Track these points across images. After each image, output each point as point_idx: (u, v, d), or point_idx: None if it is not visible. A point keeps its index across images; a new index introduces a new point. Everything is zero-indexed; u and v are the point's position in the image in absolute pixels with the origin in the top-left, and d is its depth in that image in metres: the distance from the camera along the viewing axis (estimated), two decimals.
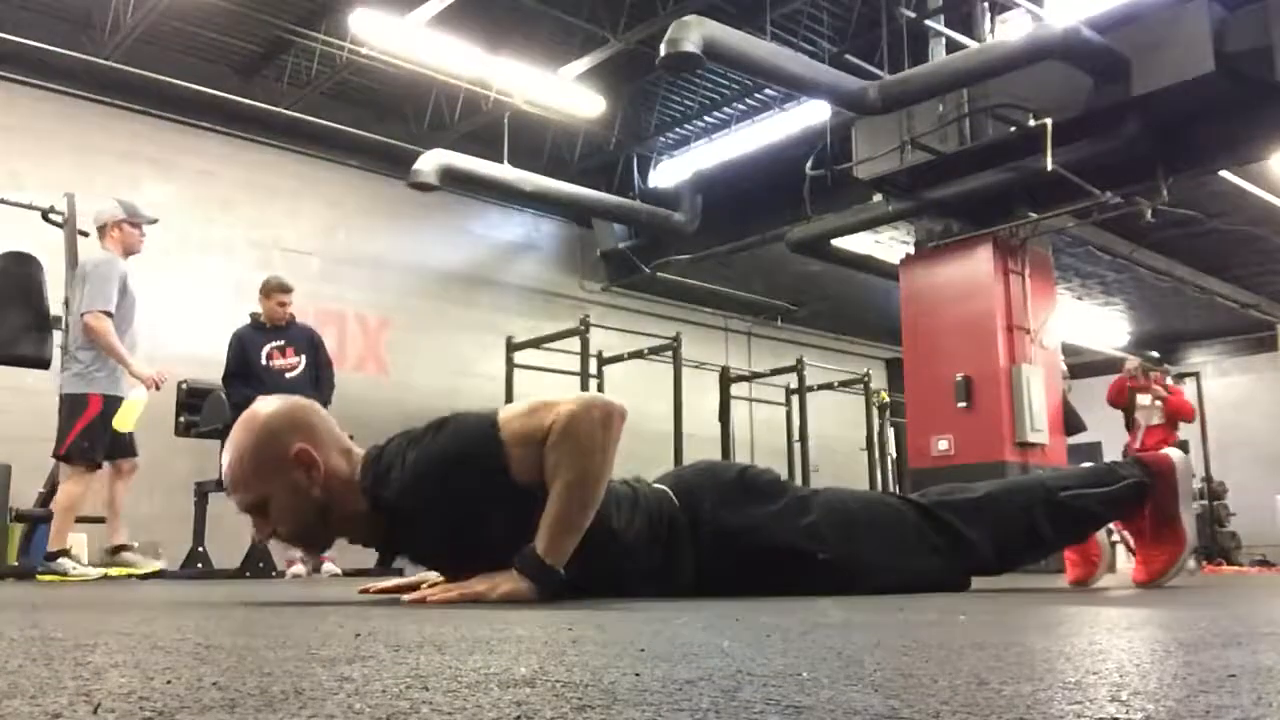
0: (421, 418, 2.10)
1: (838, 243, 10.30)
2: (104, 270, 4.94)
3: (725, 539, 2.15)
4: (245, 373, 6.08)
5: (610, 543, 2.01)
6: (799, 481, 10.41)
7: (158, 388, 4.98)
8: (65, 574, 4.73)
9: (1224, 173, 9.17)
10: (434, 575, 2.21)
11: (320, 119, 10.34)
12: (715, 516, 2.16)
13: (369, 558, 2.22)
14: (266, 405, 2.04)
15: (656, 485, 2.24)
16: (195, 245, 9.93)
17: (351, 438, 2.13)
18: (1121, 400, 8.30)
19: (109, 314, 4.84)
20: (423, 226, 11.46)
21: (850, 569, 2.20)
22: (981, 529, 2.33)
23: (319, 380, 6.21)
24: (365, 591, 2.35)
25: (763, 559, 2.16)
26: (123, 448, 4.93)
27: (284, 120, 10.19)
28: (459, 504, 1.92)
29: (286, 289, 6.20)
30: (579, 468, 1.87)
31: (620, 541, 2.04)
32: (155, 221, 5.39)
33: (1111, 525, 2.64)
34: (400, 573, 5.78)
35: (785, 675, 0.76)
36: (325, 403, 6.21)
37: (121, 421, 4.77)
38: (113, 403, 4.90)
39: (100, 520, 5.94)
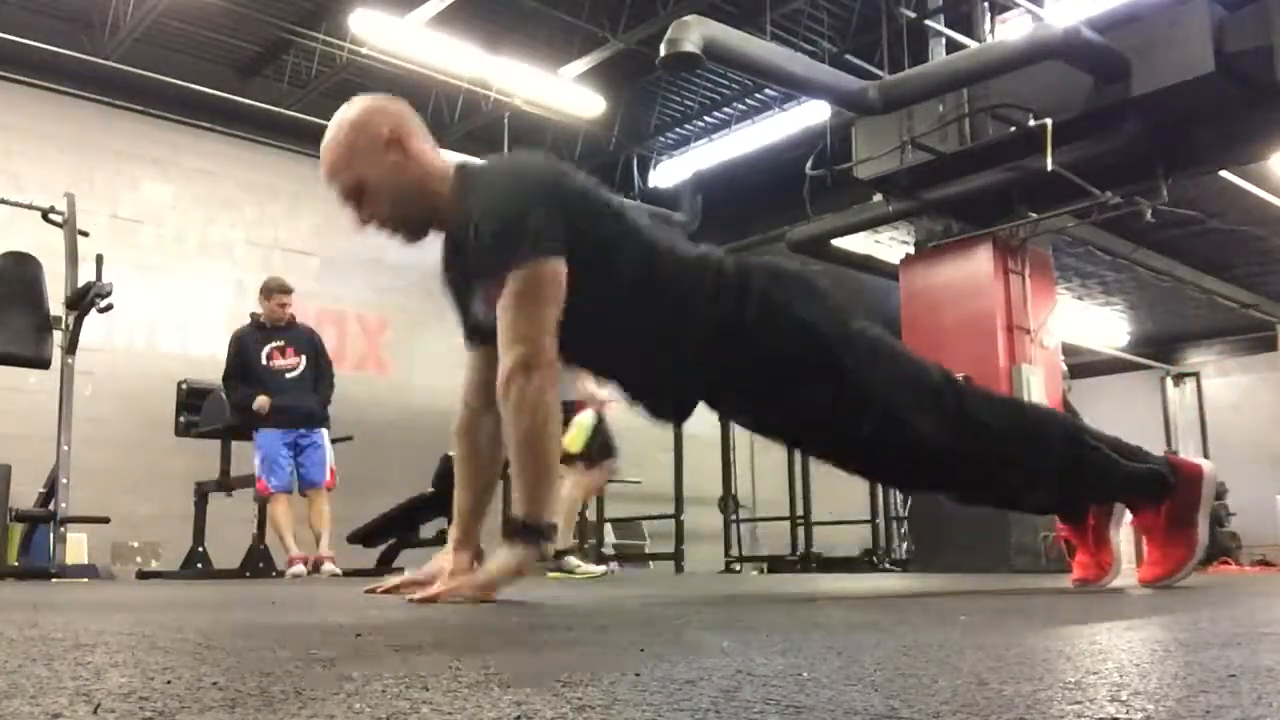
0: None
1: (838, 243, 10.29)
2: None
3: (766, 311, 2.10)
4: (245, 373, 6.08)
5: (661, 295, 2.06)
6: (799, 481, 10.42)
7: (600, 408, 5.04)
8: (571, 571, 4.91)
9: (1224, 173, 9.17)
10: (442, 568, 2.19)
11: (320, 119, 10.28)
12: (764, 284, 2.13)
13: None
14: (359, 98, 2.15)
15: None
16: (195, 245, 9.93)
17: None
18: None
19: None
20: None
21: (860, 387, 2.15)
22: (999, 418, 2.27)
23: (319, 380, 6.21)
24: (371, 591, 2.35)
25: (789, 334, 2.11)
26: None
27: (284, 120, 10.19)
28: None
29: (287, 290, 6.20)
30: (525, 425, 1.90)
31: (674, 292, 2.07)
32: None
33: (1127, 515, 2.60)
34: (396, 549, 5.75)
35: (785, 675, 0.76)
36: (325, 402, 6.21)
37: (572, 441, 4.87)
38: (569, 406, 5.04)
39: (101, 520, 5.95)
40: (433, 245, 2.27)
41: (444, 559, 2.21)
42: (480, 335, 2.19)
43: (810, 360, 2.13)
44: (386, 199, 2.07)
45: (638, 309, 2.07)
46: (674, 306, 2.08)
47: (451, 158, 2.17)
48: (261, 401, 5.92)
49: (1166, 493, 2.42)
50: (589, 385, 5.00)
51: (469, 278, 2.13)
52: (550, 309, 1.92)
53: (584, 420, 5.01)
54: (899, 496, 10.08)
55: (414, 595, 1.96)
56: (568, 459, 4.66)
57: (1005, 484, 2.39)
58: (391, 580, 2.41)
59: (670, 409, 2.31)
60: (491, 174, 2.07)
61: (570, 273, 1.93)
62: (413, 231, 2.16)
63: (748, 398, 2.24)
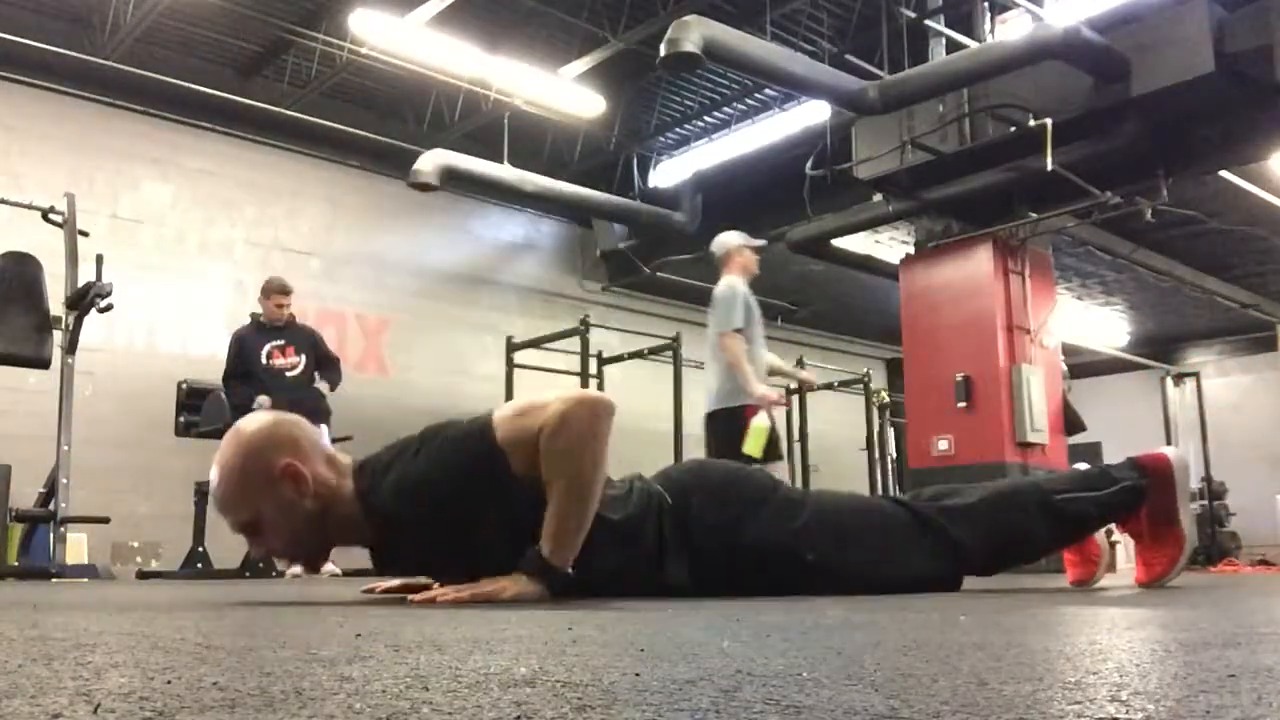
0: (421, 418, 2.11)
1: (838, 243, 10.30)
2: (728, 295, 5.37)
3: (714, 537, 2.15)
4: (245, 372, 6.08)
5: (607, 535, 2.03)
6: (799, 481, 10.42)
7: (772, 408, 5.19)
8: None
9: (1224, 173, 9.17)
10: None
11: (320, 119, 10.34)
12: (703, 514, 2.16)
13: (368, 557, 2.22)
14: (249, 424, 2.06)
15: (650, 482, 2.24)
16: (195, 245, 9.94)
17: (350, 438, 2.15)
18: None
19: (739, 331, 5.24)
20: (423, 226, 11.46)
21: (838, 571, 2.21)
22: (974, 532, 2.33)
23: (321, 370, 6.22)
24: (370, 591, 2.35)
25: (751, 558, 2.17)
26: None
27: (284, 120, 10.20)
28: (457, 511, 1.93)
29: (286, 290, 6.21)
30: (574, 466, 1.89)
31: (616, 534, 2.05)
32: (766, 245, 5.92)
33: (1112, 526, 2.63)
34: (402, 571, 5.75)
35: (785, 675, 0.76)
36: (333, 384, 6.23)
37: (750, 445, 5.01)
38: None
39: (101, 520, 5.95)
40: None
41: None
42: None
43: (780, 569, 2.18)
44: (281, 533, 2.00)
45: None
46: (622, 554, 2.10)
47: (348, 462, 2.07)
48: (262, 400, 5.92)
49: (1142, 499, 2.44)
50: (760, 388, 5.11)
51: (439, 542, 2.03)
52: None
53: (760, 424, 5.08)
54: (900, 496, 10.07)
55: (413, 597, 1.96)
56: (747, 463, 4.69)
57: (1001, 567, 2.55)
58: (393, 580, 2.41)
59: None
60: (396, 476, 1.98)
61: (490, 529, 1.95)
62: (314, 556, 2.12)
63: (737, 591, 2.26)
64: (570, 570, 1.89)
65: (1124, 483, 2.44)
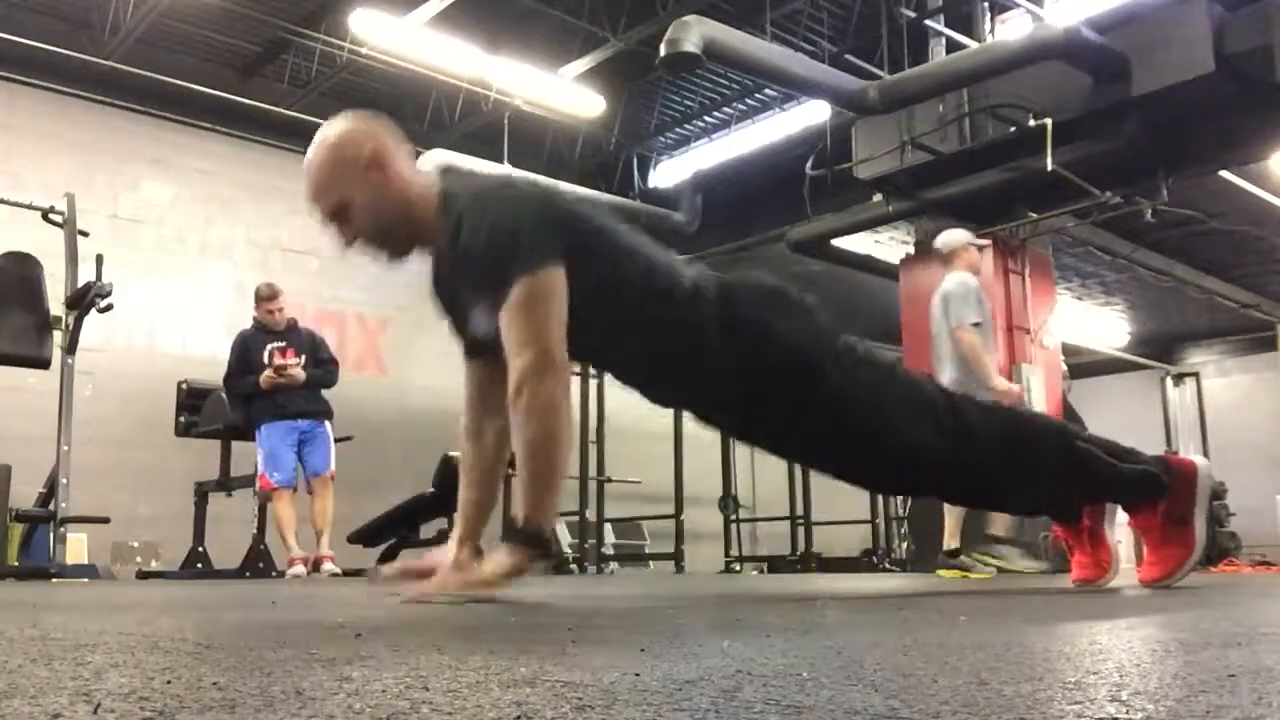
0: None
1: (838, 243, 10.29)
2: (961, 290, 5.32)
3: (750, 326, 2.12)
4: (246, 373, 6.09)
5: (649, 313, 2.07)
6: (799, 480, 10.42)
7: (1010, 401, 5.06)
8: (968, 570, 4.92)
9: (1224, 173, 9.16)
10: (440, 561, 2.20)
11: (320, 119, 10.29)
12: (748, 307, 2.14)
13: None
14: (339, 118, 2.14)
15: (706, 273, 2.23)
16: (195, 245, 9.94)
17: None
18: None
19: (977, 325, 5.21)
20: None
21: (854, 405, 2.16)
22: (989, 427, 2.29)
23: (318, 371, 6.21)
24: (374, 577, 2.34)
25: (776, 354, 2.12)
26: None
27: (284, 120, 10.20)
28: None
29: (273, 295, 6.19)
30: (536, 429, 1.91)
31: (658, 310, 2.08)
32: (989, 244, 5.84)
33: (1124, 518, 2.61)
34: (396, 549, 5.75)
35: (785, 675, 0.76)
36: (326, 384, 6.22)
37: None
38: None
39: (101, 520, 5.95)
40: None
41: (444, 553, 2.22)
42: (478, 347, 2.19)
43: (796, 376, 2.14)
44: (369, 219, 2.07)
45: (624, 323, 2.09)
46: (661, 322, 2.09)
47: (436, 163, 2.19)
48: (266, 374, 5.95)
49: (1162, 492, 2.42)
50: (1002, 382, 5.10)
51: (463, 293, 2.12)
52: (556, 315, 1.93)
53: None
54: (899, 497, 10.08)
55: (408, 595, 1.97)
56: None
57: (999, 489, 2.46)
58: (393, 567, 2.40)
59: (671, 403, 2.36)
60: (477, 191, 2.07)
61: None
62: (397, 251, 2.17)
63: (740, 415, 2.26)
64: (553, 526, 1.94)
65: (1147, 467, 2.43)
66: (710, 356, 2.12)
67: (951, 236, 5.64)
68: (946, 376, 5.30)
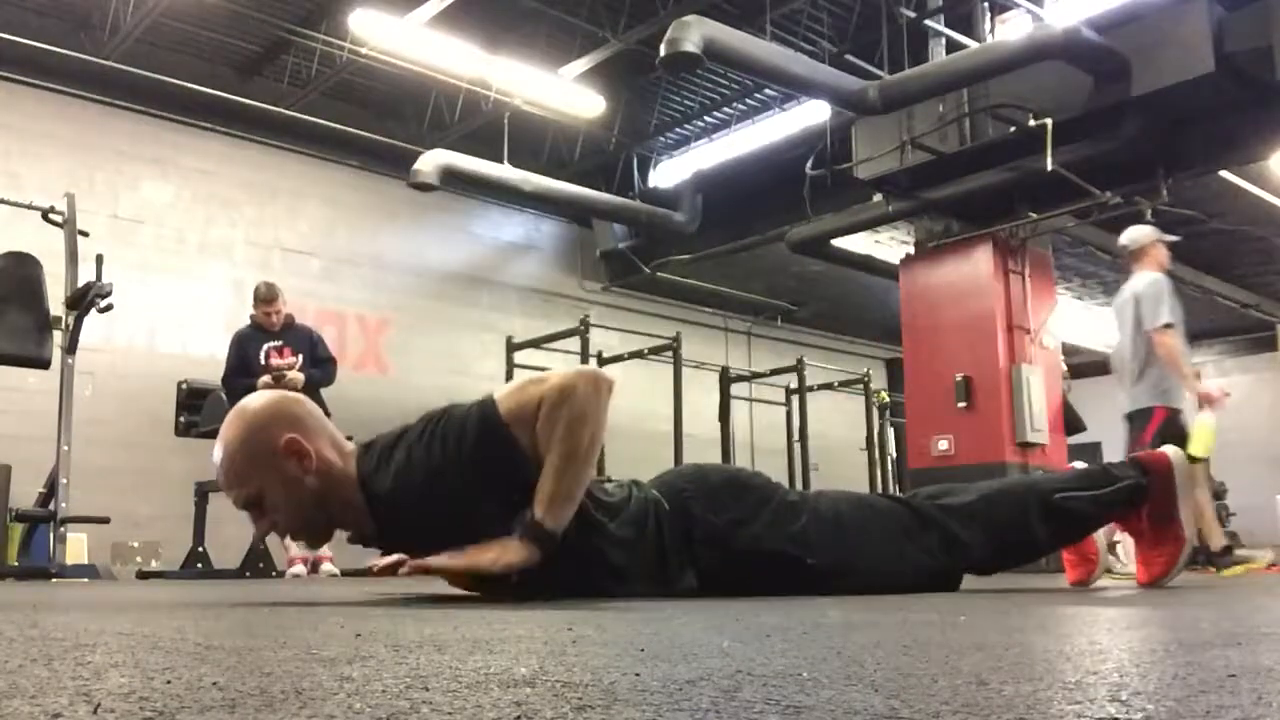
0: None
1: (838, 243, 10.30)
2: (1154, 290, 5.21)
3: (715, 542, 2.16)
4: (245, 372, 6.08)
5: (603, 541, 2.04)
6: (799, 481, 10.42)
7: (1212, 404, 4.99)
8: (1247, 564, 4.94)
9: (1224, 173, 9.17)
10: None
11: (320, 119, 10.34)
12: (704, 519, 2.16)
13: (369, 557, 2.22)
14: (252, 401, 2.06)
15: (648, 487, 2.25)
16: (195, 245, 9.94)
17: (350, 438, 2.14)
18: None
19: (1170, 326, 5.11)
20: (423, 226, 11.46)
21: (839, 572, 2.21)
22: (973, 530, 2.33)
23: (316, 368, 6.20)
24: (369, 571, 2.34)
25: (752, 563, 2.17)
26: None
27: (284, 120, 10.20)
28: (463, 494, 1.95)
29: (271, 299, 6.17)
30: (572, 436, 1.90)
31: (613, 539, 2.07)
32: (1179, 239, 5.63)
33: (1111, 526, 2.62)
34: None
35: (785, 675, 0.76)
36: (323, 383, 6.21)
37: (1196, 445, 4.72)
38: (1174, 415, 5.04)
39: (101, 520, 5.94)
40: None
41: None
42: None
43: (781, 573, 2.17)
44: (285, 509, 2.00)
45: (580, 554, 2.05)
46: (615, 553, 2.10)
47: (349, 445, 2.09)
48: (264, 380, 5.94)
49: (1143, 497, 2.43)
50: (1203, 385, 5.00)
51: (435, 516, 2.02)
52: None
53: (1207, 421, 4.89)
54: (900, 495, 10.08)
55: (410, 565, 1.98)
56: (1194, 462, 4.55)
57: (1000, 566, 2.54)
58: (387, 559, 2.39)
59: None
60: (398, 440, 2.02)
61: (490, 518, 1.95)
62: (316, 536, 2.13)
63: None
64: (558, 537, 1.91)
65: (1124, 481, 2.43)
66: (681, 576, 2.14)
67: (1138, 233, 5.44)
68: (1133, 381, 5.17)
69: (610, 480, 2.26)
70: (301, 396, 2.15)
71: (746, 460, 11.24)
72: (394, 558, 2.33)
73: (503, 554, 1.89)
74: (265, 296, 6.20)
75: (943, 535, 2.31)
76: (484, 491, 1.95)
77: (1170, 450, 2.51)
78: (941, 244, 8.92)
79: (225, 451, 1.99)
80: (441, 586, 2.50)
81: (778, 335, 14.71)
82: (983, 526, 2.34)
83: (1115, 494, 2.43)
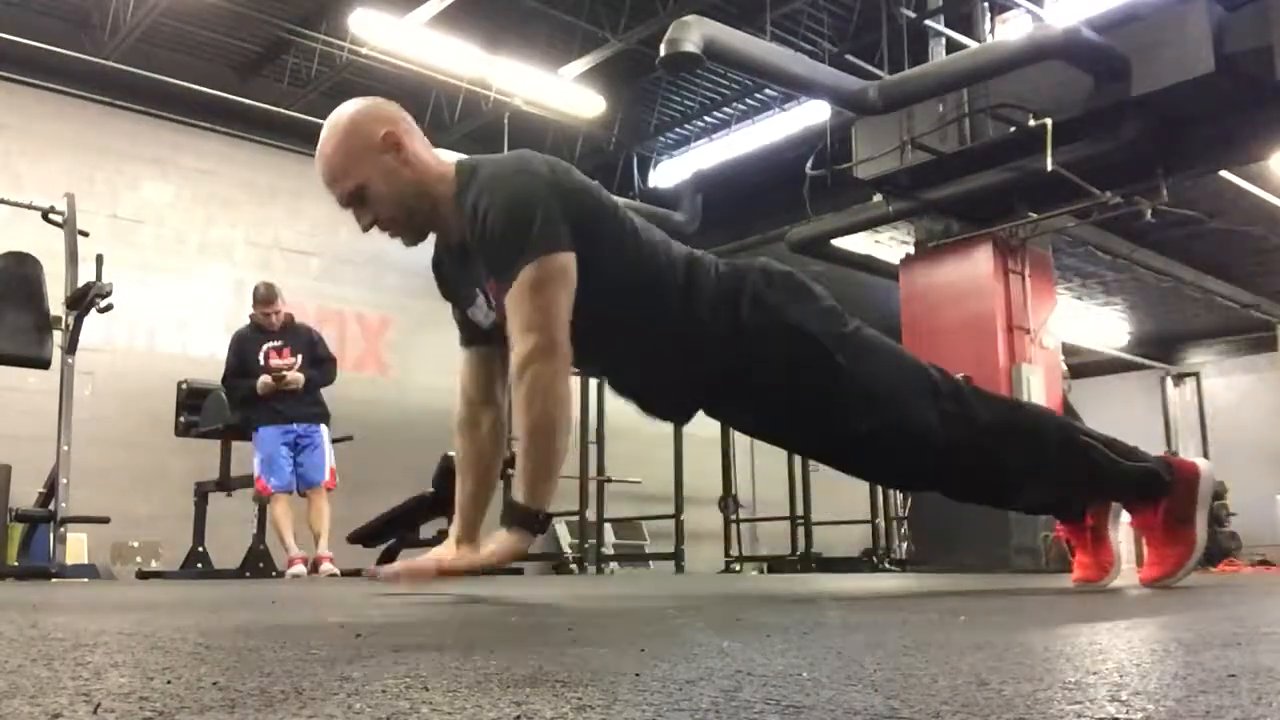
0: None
1: (838, 243, 10.29)
2: None
3: (764, 307, 2.13)
4: (244, 373, 6.08)
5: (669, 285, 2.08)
6: (799, 481, 10.42)
7: None
8: None
9: (1224, 173, 9.17)
10: (444, 552, 2.21)
11: (320, 119, 10.28)
12: (758, 288, 2.14)
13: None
14: (350, 102, 2.14)
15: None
16: (195, 245, 9.94)
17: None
18: None
19: None
20: None
21: (859, 389, 2.17)
22: (992, 415, 2.29)
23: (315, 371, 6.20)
24: (373, 575, 2.35)
25: (786, 337, 2.13)
26: None
27: (284, 120, 10.20)
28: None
29: (270, 300, 6.17)
30: (536, 414, 1.92)
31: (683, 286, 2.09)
32: None
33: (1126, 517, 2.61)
34: (396, 550, 5.78)
35: (785, 675, 0.76)
36: (323, 383, 6.21)
37: None
38: None
39: (101, 520, 5.94)
40: (433, 245, 2.28)
41: (443, 550, 2.22)
42: (478, 334, 2.19)
43: (804, 361, 2.14)
44: (387, 201, 2.08)
45: (633, 309, 2.09)
46: (670, 308, 2.09)
47: (448, 156, 2.17)
48: (264, 380, 5.94)
49: (1164, 492, 2.42)
50: None
51: (470, 275, 2.13)
52: (562, 301, 1.94)
53: None
54: (899, 496, 10.08)
55: (409, 569, 2.00)
56: None
57: (1001, 481, 2.41)
58: (391, 566, 2.39)
59: (669, 409, 2.33)
60: (493, 171, 2.07)
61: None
62: (415, 233, 2.17)
63: (744, 401, 2.25)
64: (546, 512, 1.94)
65: (1148, 465, 2.43)
66: (717, 342, 2.12)
67: None
68: None
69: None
70: (391, 101, 2.20)
71: (746, 460, 11.25)
72: (396, 567, 2.33)
73: (497, 550, 1.92)
74: (264, 297, 6.20)
75: (961, 402, 2.27)
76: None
77: (1204, 463, 2.50)
78: (941, 244, 8.92)
79: (328, 146, 2.08)
80: (439, 584, 2.50)
81: None
82: (1003, 417, 2.32)
83: (1136, 470, 2.40)
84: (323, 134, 2.10)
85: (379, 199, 2.08)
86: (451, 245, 2.17)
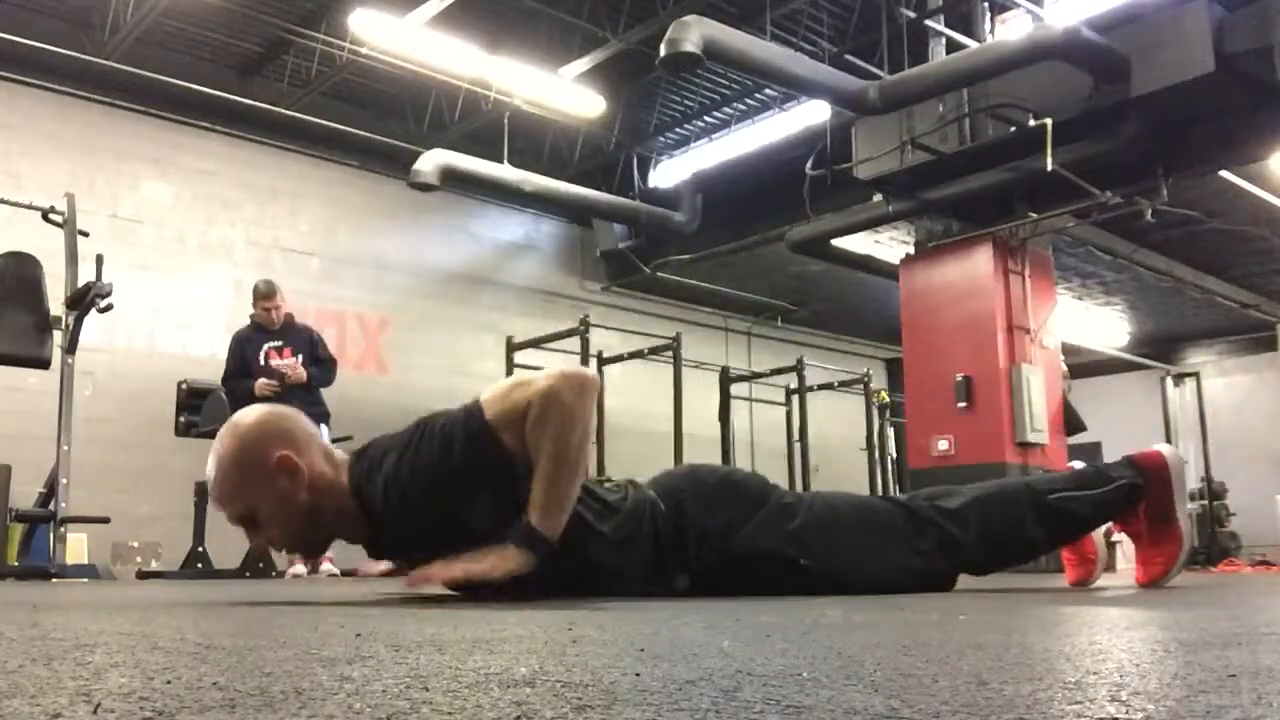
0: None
1: (838, 243, 10.29)
2: None
3: (709, 543, 2.17)
4: (244, 373, 6.08)
5: (598, 542, 2.06)
6: (799, 482, 10.42)
7: None
8: None
9: (1224, 173, 9.17)
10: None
11: (320, 119, 10.34)
12: (699, 520, 2.17)
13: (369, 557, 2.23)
14: (244, 417, 2.07)
15: (644, 487, 2.25)
16: (195, 245, 9.94)
17: (350, 438, 2.15)
18: None
19: None
20: (423, 226, 11.46)
21: (834, 573, 2.21)
22: (969, 531, 2.33)
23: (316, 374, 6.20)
24: (368, 574, 2.36)
25: (747, 564, 2.18)
26: None
27: (284, 120, 10.21)
28: (452, 499, 1.96)
29: (270, 294, 6.18)
30: (561, 441, 1.91)
31: (607, 541, 2.08)
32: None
33: (1110, 526, 2.62)
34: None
35: (785, 675, 0.76)
36: (323, 383, 6.21)
37: None
38: None
39: (101, 520, 5.95)
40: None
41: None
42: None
43: (774, 571, 2.18)
44: (280, 522, 2.02)
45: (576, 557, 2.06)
46: (615, 557, 2.12)
47: (340, 455, 2.11)
48: (262, 382, 5.94)
49: (1140, 495, 2.43)
50: None
51: (423, 525, 2.04)
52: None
53: None
54: (900, 496, 10.07)
55: (411, 578, 1.99)
56: None
57: (997, 566, 2.53)
58: (384, 565, 2.40)
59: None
60: (383, 442, 2.05)
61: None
62: (312, 548, 2.16)
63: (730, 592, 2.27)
64: (555, 542, 1.92)
65: (1119, 481, 2.43)
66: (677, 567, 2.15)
67: None
68: None
69: (609, 480, 2.27)
70: (291, 410, 2.16)
71: (746, 461, 11.25)
72: (388, 565, 2.34)
73: (499, 561, 1.90)
74: (265, 292, 6.21)
75: (940, 537, 2.32)
76: (475, 497, 1.96)
77: (1164, 448, 2.50)
78: (941, 244, 8.92)
79: (218, 470, 1.99)
80: (439, 586, 2.50)
81: (777, 335, 14.71)
82: (979, 528, 2.34)
83: (1111, 494, 2.42)
84: (215, 445, 2.02)
85: (270, 522, 2.01)
86: (367, 544, 2.14)
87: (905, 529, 2.32)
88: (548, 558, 1.91)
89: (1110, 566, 2.84)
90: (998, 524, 2.37)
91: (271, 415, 2.09)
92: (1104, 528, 2.65)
